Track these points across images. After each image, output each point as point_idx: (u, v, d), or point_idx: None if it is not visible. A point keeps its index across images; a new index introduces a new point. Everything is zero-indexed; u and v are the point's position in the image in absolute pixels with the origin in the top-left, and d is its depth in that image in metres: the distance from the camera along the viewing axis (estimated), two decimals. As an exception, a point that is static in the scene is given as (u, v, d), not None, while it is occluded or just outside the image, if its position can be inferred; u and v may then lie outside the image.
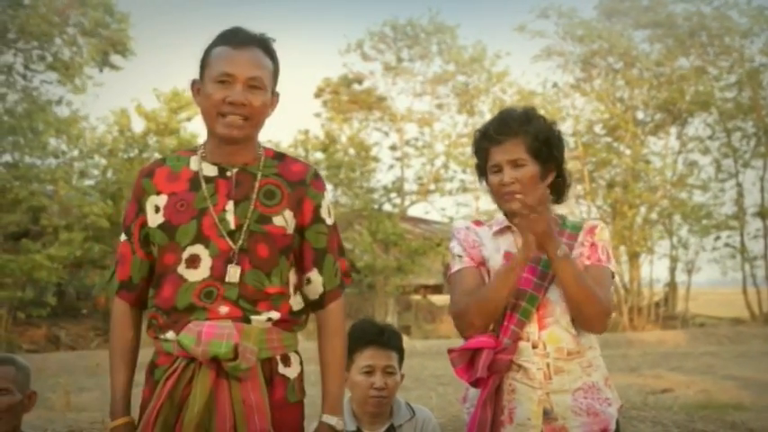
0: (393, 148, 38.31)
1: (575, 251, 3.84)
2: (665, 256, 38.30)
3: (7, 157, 29.19)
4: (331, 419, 3.62)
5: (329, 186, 35.50)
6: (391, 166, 38.09)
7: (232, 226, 3.48)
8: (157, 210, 3.54)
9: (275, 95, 3.62)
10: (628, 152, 36.98)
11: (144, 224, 3.58)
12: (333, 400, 3.66)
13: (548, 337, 3.77)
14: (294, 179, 3.62)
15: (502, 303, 3.75)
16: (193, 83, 3.62)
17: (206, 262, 3.47)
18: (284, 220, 3.54)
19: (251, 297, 3.47)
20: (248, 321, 3.45)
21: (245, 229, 3.49)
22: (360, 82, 38.40)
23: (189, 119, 32.83)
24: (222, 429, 3.37)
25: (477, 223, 4.07)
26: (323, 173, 31.90)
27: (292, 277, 3.64)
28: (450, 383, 14.63)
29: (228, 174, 3.55)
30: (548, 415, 3.75)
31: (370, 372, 4.66)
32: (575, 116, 36.75)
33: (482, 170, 3.97)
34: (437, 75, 38.19)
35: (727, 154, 37.73)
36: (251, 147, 3.60)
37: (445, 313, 31.89)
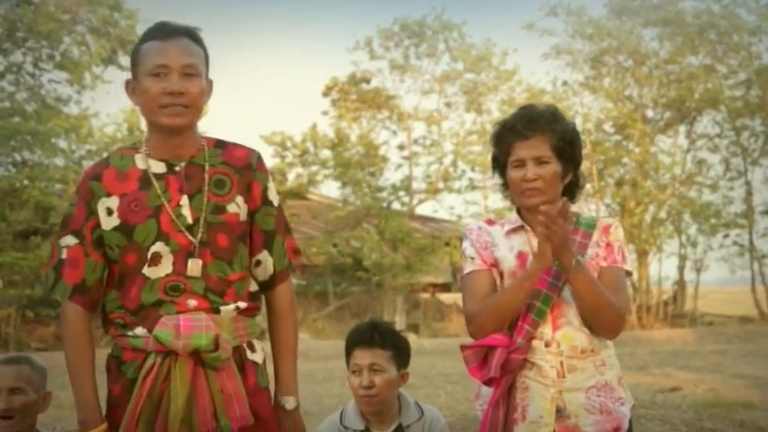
0: (401, 146, 38.23)
1: (589, 250, 3.84)
2: (674, 254, 38.23)
3: (16, 156, 29.21)
4: (287, 400, 3.70)
5: (337, 185, 35.59)
6: (399, 165, 38.01)
7: (189, 220, 3.52)
8: (110, 212, 3.54)
9: (209, 82, 3.63)
10: (637, 150, 36.88)
11: (96, 226, 3.56)
12: (287, 381, 3.73)
13: (562, 337, 3.77)
14: (240, 165, 3.65)
15: (515, 311, 3.75)
16: (127, 83, 3.63)
17: (167, 258, 3.50)
18: (237, 206, 3.59)
19: (217, 288, 3.52)
20: (218, 312, 3.50)
21: (202, 221, 3.51)
22: (368, 81, 38.35)
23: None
24: (203, 419, 3.41)
25: (490, 222, 4.06)
26: (331, 171, 31.90)
27: (248, 261, 3.68)
28: (459, 382, 14.61)
29: (177, 169, 3.58)
30: (560, 413, 3.76)
31: (357, 371, 4.67)
32: (584, 114, 36.63)
33: (500, 163, 3.94)
34: (445, 73, 38.12)
35: (736, 152, 37.58)
36: (193, 137, 3.63)
37: (454, 312, 31.92)
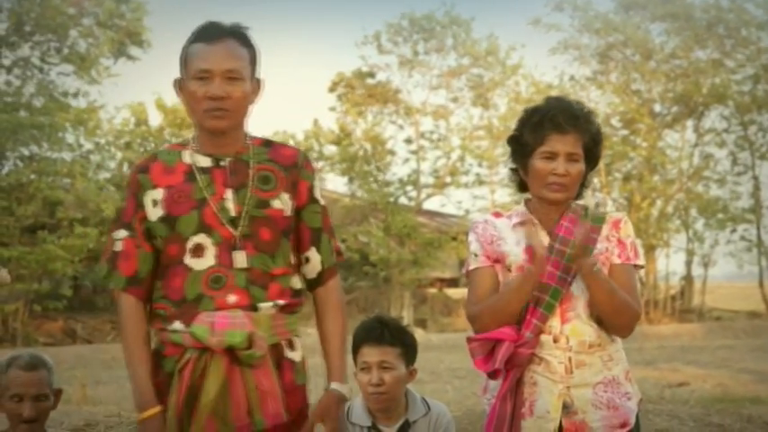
0: (408, 141, 38.29)
1: (599, 245, 3.81)
2: (681, 249, 38.27)
3: (23, 151, 29.26)
4: (339, 387, 3.70)
5: (344, 180, 35.60)
6: (407, 160, 38.08)
7: (233, 213, 3.56)
8: (155, 203, 3.60)
9: (257, 82, 3.69)
10: (644, 145, 36.89)
11: (145, 218, 3.63)
12: (338, 370, 3.74)
13: (570, 331, 3.76)
14: (287, 163, 3.70)
15: (514, 314, 3.74)
16: (176, 81, 3.69)
17: (210, 250, 3.55)
18: (282, 202, 3.63)
19: (259, 281, 3.56)
20: (256, 309, 3.53)
21: (244, 215, 3.56)
22: (373, 75, 38.38)
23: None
24: (238, 415, 3.47)
25: (497, 215, 4.03)
26: (336, 166, 31.93)
27: (293, 258, 3.72)
28: (467, 377, 14.62)
29: (222, 163, 3.63)
30: (567, 408, 3.75)
31: (366, 369, 4.66)
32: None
33: (526, 149, 3.87)
34: (452, 68, 38.15)
35: (744, 147, 37.60)
36: (239, 136, 3.68)
37: (461, 307, 31.84)
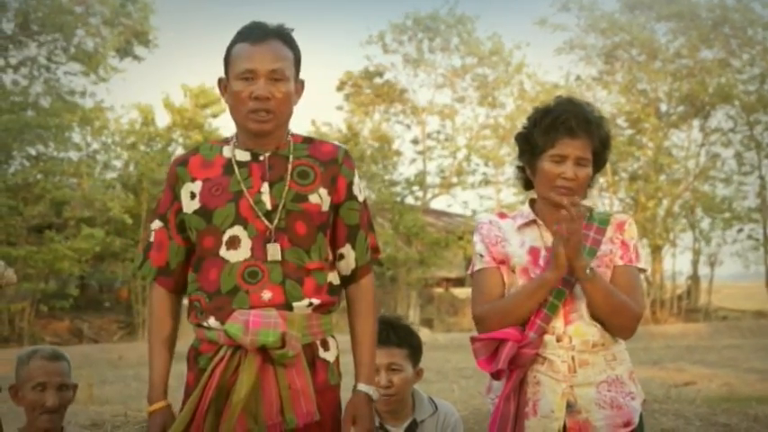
0: (415, 141, 38.32)
1: (603, 246, 3.82)
2: (688, 248, 38.24)
3: (30, 151, 29.29)
4: (368, 388, 3.71)
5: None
6: (413, 160, 38.12)
7: (268, 207, 3.57)
8: (193, 196, 3.63)
9: (300, 83, 3.71)
10: (650, 145, 36.87)
11: (179, 211, 3.67)
12: (367, 370, 3.76)
13: (573, 331, 3.76)
14: (326, 158, 3.71)
15: (523, 317, 3.75)
16: (220, 81, 3.73)
17: (246, 243, 3.56)
18: (319, 197, 3.63)
19: (294, 275, 3.56)
20: (290, 308, 3.54)
21: (281, 208, 3.57)
22: (381, 75, 38.39)
23: (215, 115, 32.94)
24: (270, 414, 3.48)
25: (502, 216, 4.03)
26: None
27: (329, 254, 3.73)
28: (473, 376, 14.64)
29: (261, 158, 3.64)
30: (571, 408, 3.75)
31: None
32: (597, 109, 36.55)
33: (535, 150, 3.85)
34: (457, 67, 38.15)
35: (750, 146, 37.59)
36: (281, 133, 3.69)
37: (467, 306, 31.78)
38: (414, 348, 4.77)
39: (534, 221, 3.90)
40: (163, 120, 33.13)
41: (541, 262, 3.81)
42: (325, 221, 3.66)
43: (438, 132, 38.47)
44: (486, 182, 38.00)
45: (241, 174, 3.61)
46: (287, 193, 3.59)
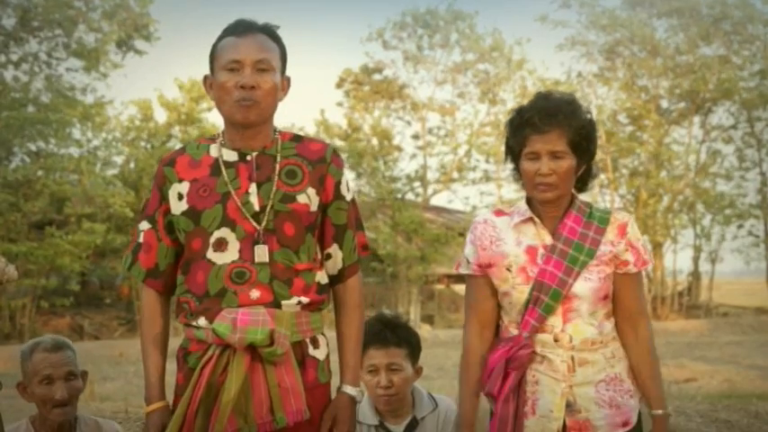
0: (415, 136, 38.29)
1: (602, 247, 3.79)
2: (689, 245, 38.21)
3: (30, 147, 29.27)
4: (351, 390, 3.73)
5: (352, 175, 35.56)
6: (414, 155, 38.08)
7: (256, 208, 3.57)
8: (180, 197, 3.63)
9: (286, 78, 3.72)
10: (651, 141, 36.83)
11: (167, 212, 3.66)
12: (352, 372, 3.77)
13: (572, 330, 3.75)
14: (314, 157, 3.71)
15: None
16: (205, 78, 3.73)
17: (233, 245, 3.56)
18: (307, 197, 3.63)
19: (282, 276, 3.56)
20: (279, 306, 3.53)
21: (269, 209, 3.56)
22: (380, 71, 38.38)
23: (209, 109, 32.89)
24: (259, 412, 3.49)
25: (499, 213, 4.00)
26: (345, 161, 32.42)
27: (318, 253, 3.72)
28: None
29: (248, 158, 3.64)
30: (570, 407, 3.75)
31: (374, 371, 4.66)
32: (598, 105, 36.55)
33: (514, 152, 3.87)
34: (457, 63, 38.12)
35: (751, 143, 37.56)
36: (267, 130, 3.69)
37: (468, 302, 31.80)
38: (413, 347, 4.77)
39: (531, 219, 3.88)
40: (162, 115, 33.15)
41: (539, 260, 3.80)
42: (313, 222, 3.65)
43: (438, 128, 38.47)
44: (486, 178, 37.99)
45: (228, 174, 3.61)
46: (275, 194, 3.58)
